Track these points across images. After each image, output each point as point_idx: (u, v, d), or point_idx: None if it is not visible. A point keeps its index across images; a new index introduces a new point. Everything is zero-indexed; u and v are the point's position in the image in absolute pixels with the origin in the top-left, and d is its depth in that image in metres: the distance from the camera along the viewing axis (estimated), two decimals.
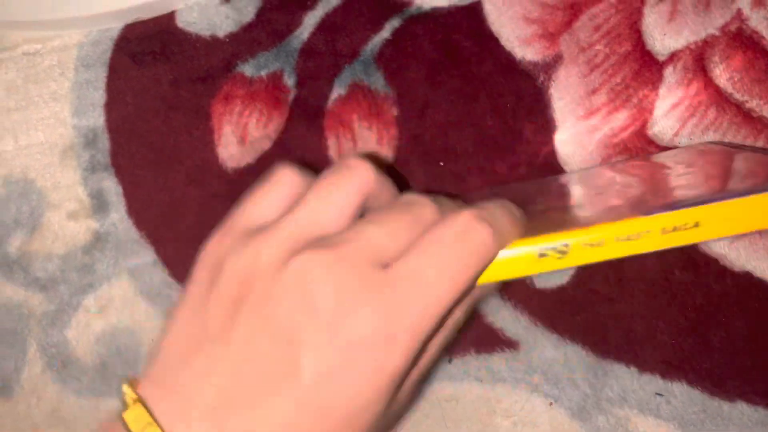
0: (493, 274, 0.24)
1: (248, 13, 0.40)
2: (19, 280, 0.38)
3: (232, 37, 0.40)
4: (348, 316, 0.21)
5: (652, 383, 0.36)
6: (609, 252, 0.25)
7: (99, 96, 0.40)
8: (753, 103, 0.38)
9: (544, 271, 0.25)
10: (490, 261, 0.23)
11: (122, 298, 0.38)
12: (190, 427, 0.20)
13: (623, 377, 0.36)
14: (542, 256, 0.25)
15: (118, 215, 0.39)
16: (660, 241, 0.25)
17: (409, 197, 0.24)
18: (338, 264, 0.21)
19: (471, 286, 0.23)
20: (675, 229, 0.25)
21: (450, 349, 0.37)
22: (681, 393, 0.36)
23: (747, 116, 0.38)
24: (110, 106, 0.40)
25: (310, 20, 0.40)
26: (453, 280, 0.22)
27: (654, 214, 0.25)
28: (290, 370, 0.20)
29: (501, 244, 0.23)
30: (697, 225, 0.25)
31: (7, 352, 0.38)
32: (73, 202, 0.39)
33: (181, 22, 0.40)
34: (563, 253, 0.25)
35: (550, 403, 0.36)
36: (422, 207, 0.23)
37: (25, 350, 0.38)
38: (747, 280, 0.36)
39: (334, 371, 0.20)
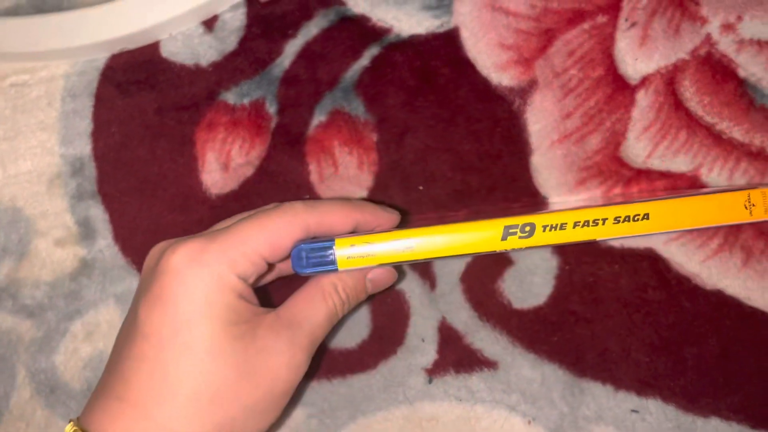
0: (460, 249, 0.27)
1: (231, 43, 0.42)
2: (7, 307, 0.39)
3: (216, 65, 0.41)
4: None
5: (627, 401, 0.37)
6: (569, 236, 0.29)
7: (86, 125, 0.41)
8: (723, 125, 0.39)
9: (509, 249, 0.29)
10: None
11: (109, 323, 0.39)
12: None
13: (599, 395, 0.37)
14: (509, 235, 0.28)
15: (105, 242, 0.40)
16: (614, 229, 0.31)
17: None
18: None
19: None
20: (627, 219, 0.29)
21: (430, 371, 0.38)
22: (656, 410, 0.37)
23: (717, 138, 0.39)
24: (97, 135, 0.41)
25: (291, 49, 0.41)
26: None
27: (610, 205, 0.29)
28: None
29: None
30: (647, 217, 0.29)
31: None
32: (60, 229, 0.40)
33: (166, 52, 0.42)
34: (527, 234, 0.28)
35: (529, 422, 0.37)
36: None
37: (15, 376, 0.39)
38: (719, 298, 0.37)
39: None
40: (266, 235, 0.28)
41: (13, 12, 0.43)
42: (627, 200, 0.33)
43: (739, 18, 0.40)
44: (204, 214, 0.40)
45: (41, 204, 0.40)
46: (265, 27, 0.42)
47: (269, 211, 0.29)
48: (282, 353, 0.28)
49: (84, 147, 0.41)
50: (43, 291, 0.39)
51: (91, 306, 0.39)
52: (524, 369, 0.37)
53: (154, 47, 0.42)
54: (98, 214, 0.40)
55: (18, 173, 0.41)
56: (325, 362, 0.38)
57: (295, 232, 0.28)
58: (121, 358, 0.27)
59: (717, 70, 0.40)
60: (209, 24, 0.42)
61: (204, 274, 0.26)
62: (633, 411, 0.37)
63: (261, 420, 0.28)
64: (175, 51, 0.41)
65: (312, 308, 0.30)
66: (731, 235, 0.38)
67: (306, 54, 0.41)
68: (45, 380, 0.39)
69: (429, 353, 0.38)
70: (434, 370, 0.38)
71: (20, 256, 0.40)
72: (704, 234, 0.38)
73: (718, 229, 0.38)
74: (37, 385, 0.39)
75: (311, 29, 0.41)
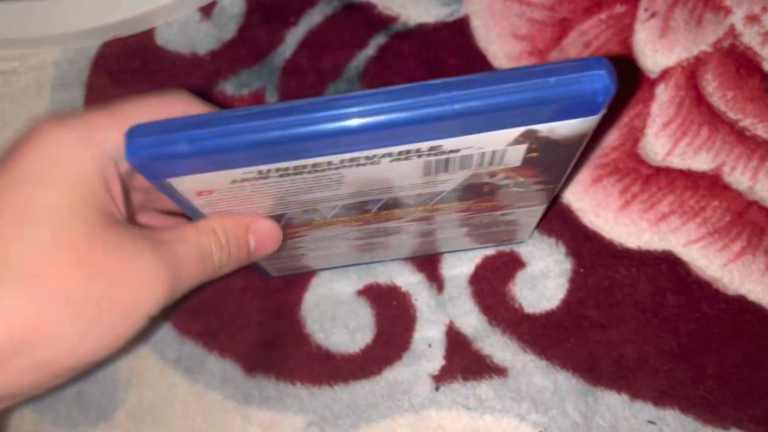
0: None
1: (229, 30, 0.40)
2: None
3: (213, 54, 0.40)
4: None
5: (644, 411, 0.36)
6: None
7: None
8: (746, 122, 0.38)
9: None
10: None
11: None
12: None
13: (615, 405, 0.36)
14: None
15: None
16: None
17: None
18: None
19: None
20: None
21: (437, 377, 0.36)
22: (674, 421, 0.35)
23: (740, 135, 0.38)
24: None
25: (293, 37, 0.40)
26: None
27: None
28: None
29: None
30: None
31: None
32: None
33: (161, 39, 0.40)
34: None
35: None
36: None
37: None
38: (741, 303, 0.36)
39: None
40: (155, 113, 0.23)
41: None
42: None
43: (765, 9, 0.39)
44: None
45: None
46: (265, 14, 0.40)
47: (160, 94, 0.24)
48: (146, 270, 0.23)
49: None
50: None
51: None
52: (536, 376, 0.36)
53: (148, 35, 0.40)
54: None
55: None
56: (327, 367, 0.37)
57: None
58: None
59: (741, 63, 0.39)
60: (207, 10, 0.41)
61: (77, 145, 0.22)
62: (650, 422, 0.36)
63: (100, 337, 0.23)
64: (171, 39, 0.40)
65: (184, 241, 0.24)
66: (754, 237, 0.37)
67: (308, 43, 0.40)
68: None
69: (436, 359, 0.37)
70: (441, 377, 0.37)
71: None
72: (726, 236, 0.37)
73: (740, 232, 0.37)
74: None
75: (314, 17, 0.40)
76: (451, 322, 0.37)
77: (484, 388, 0.36)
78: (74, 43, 0.41)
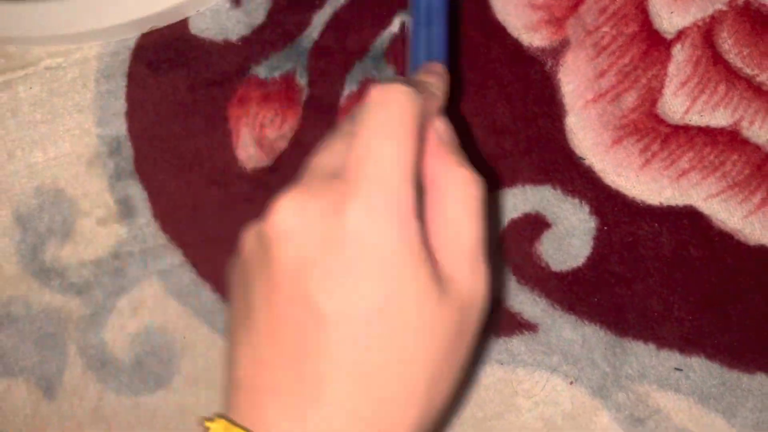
0: None
1: (259, 16, 0.43)
2: (55, 286, 0.42)
3: (245, 40, 0.43)
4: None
5: (671, 359, 0.38)
6: None
7: (120, 105, 0.43)
8: (763, 77, 0.40)
9: None
10: (416, 112, 0.23)
11: (153, 299, 0.41)
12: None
13: (642, 354, 0.38)
14: None
15: (145, 220, 0.42)
16: None
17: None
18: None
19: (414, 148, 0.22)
20: None
21: None
22: (700, 367, 0.38)
23: (757, 90, 0.40)
24: (131, 115, 0.43)
25: (320, 19, 0.43)
26: (391, 139, 0.22)
27: None
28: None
29: (419, 99, 0.23)
30: None
31: (48, 356, 0.42)
32: (101, 208, 0.42)
33: (195, 28, 0.43)
34: None
35: (571, 383, 0.38)
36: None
37: (66, 353, 0.42)
38: (763, 253, 0.38)
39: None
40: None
41: None
42: None
43: None
44: (241, 189, 0.42)
45: (82, 185, 0.43)
46: None
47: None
48: (473, 286, 0.23)
49: (120, 127, 0.43)
50: (89, 269, 0.42)
51: (135, 283, 0.42)
52: (565, 331, 0.39)
53: (183, 24, 0.43)
54: (137, 192, 0.42)
55: (58, 155, 0.43)
56: None
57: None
58: (293, 350, 0.22)
59: (756, 19, 0.40)
60: None
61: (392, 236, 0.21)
62: (677, 369, 0.38)
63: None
64: (204, 27, 0.43)
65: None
66: None
67: (334, 24, 0.42)
68: (95, 355, 0.41)
69: None
70: None
71: (65, 236, 0.42)
72: (746, 189, 0.39)
73: (759, 184, 0.39)
74: (87, 360, 0.41)
75: None
76: None
77: (516, 343, 0.39)
78: (114, 37, 0.44)
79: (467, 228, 0.23)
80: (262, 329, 0.23)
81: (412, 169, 0.22)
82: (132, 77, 0.44)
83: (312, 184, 0.22)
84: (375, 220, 0.21)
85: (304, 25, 0.43)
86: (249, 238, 0.23)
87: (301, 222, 0.22)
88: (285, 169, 0.42)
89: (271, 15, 0.43)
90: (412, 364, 0.22)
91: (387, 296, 0.21)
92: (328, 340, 0.21)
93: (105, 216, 0.43)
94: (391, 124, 0.22)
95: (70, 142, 0.43)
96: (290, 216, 0.22)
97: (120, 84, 0.44)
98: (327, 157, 0.24)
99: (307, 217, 0.22)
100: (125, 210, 0.42)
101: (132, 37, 0.44)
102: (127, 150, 0.43)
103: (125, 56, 0.44)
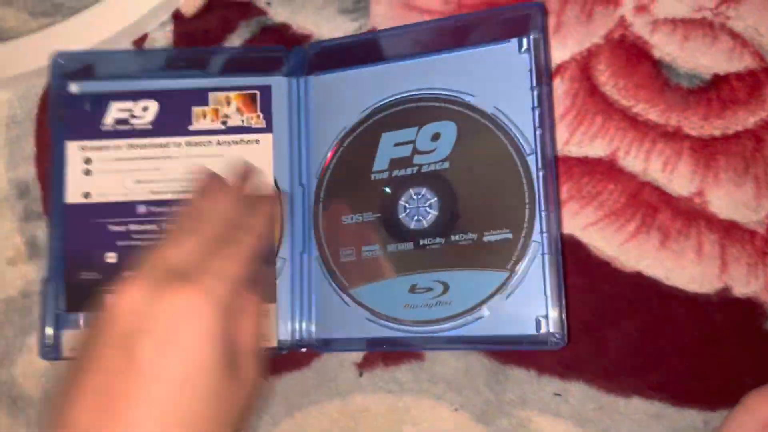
0: None
1: (160, 61, 0.45)
2: None
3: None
4: None
5: (551, 384, 0.40)
6: None
7: (29, 149, 0.45)
8: (639, 107, 0.41)
9: None
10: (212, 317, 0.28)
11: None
12: None
13: (523, 380, 0.40)
14: None
15: None
16: None
17: None
18: None
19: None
20: None
21: (360, 364, 0.41)
22: (578, 392, 0.39)
23: (633, 120, 0.41)
24: (40, 158, 0.45)
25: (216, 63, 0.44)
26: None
27: None
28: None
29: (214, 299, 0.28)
30: None
31: None
32: (10, 249, 0.44)
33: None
34: None
35: (455, 409, 0.40)
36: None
37: None
38: (638, 279, 0.40)
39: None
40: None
41: None
42: None
43: None
44: None
45: None
46: (191, 42, 0.45)
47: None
48: None
49: (29, 170, 0.45)
50: (0, 308, 0.44)
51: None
52: (449, 359, 0.40)
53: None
54: (44, 233, 0.44)
55: None
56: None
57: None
58: (105, 387, 0.26)
59: (631, 52, 0.42)
60: (139, 43, 0.46)
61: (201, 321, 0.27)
62: (556, 394, 0.39)
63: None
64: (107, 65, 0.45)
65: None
66: (648, 216, 0.40)
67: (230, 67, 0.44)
68: (6, 391, 0.43)
69: None
70: (364, 364, 0.41)
71: None
72: (621, 217, 0.40)
73: (634, 212, 0.40)
74: None
75: (234, 41, 0.45)
76: None
77: (403, 372, 0.41)
78: (24, 83, 0.46)
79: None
80: (89, 373, 0.27)
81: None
82: (41, 122, 0.46)
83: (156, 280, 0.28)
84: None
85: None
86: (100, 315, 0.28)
87: (142, 305, 0.27)
88: None
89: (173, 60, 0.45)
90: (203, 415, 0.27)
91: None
92: (139, 385, 0.26)
93: (14, 256, 0.44)
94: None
95: None
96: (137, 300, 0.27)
97: (29, 129, 0.46)
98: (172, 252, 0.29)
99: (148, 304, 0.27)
100: (33, 250, 0.44)
101: (41, 84, 0.46)
102: (36, 192, 0.45)
103: (34, 102, 0.46)
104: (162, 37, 0.46)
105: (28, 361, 0.44)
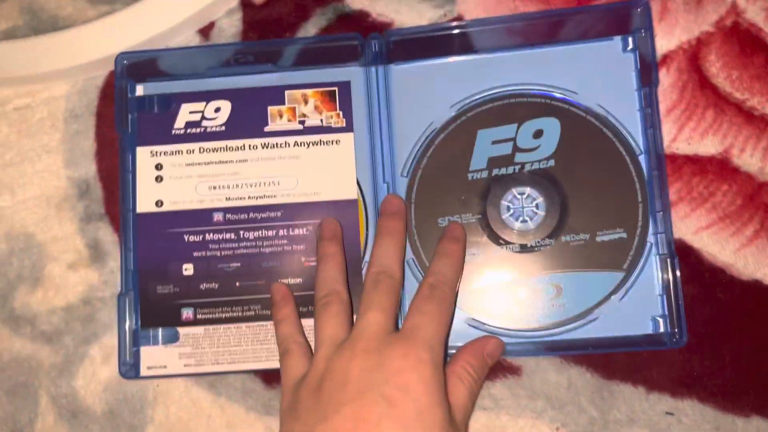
0: None
1: (228, 49, 0.42)
2: (26, 334, 0.41)
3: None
4: None
5: (661, 402, 0.37)
6: None
7: (89, 145, 0.43)
8: (754, 101, 0.38)
9: None
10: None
11: None
12: None
13: (631, 398, 0.37)
14: None
15: (116, 263, 0.41)
16: None
17: None
18: None
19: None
20: None
21: None
22: (692, 411, 0.36)
23: (748, 115, 0.38)
24: (101, 155, 0.43)
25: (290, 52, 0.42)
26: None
27: None
28: None
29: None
30: None
31: (21, 405, 0.41)
32: (71, 253, 0.42)
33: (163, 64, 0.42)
34: None
35: (557, 428, 0.37)
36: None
37: (37, 402, 0.41)
38: (756, 289, 0.37)
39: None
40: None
41: (11, 35, 0.45)
42: None
43: None
44: None
45: (51, 228, 0.42)
46: (261, 31, 0.42)
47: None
48: None
49: (89, 168, 0.42)
50: (60, 316, 0.41)
51: (107, 329, 0.41)
52: (549, 373, 0.37)
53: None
54: (107, 235, 0.42)
55: (26, 198, 0.43)
56: None
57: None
58: None
59: (745, 41, 0.39)
60: (205, 32, 0.43)
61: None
62: (668, 413, 0.37)
63: None
64: (172, 63, 0.42)
65: (455, 393, 0.33)
66: (767, 220, 0.37)
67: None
68: (67, 405, 0.41)
69: None
70: None
71: (35, 281, 0.42)
72: (737, 221, 0.37)
73: (752, 215, 0.37)
74: (59, 410, 0.41)
75: (309, 30, 0.42)
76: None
77: (499, 388, 0.38)
78: (82, 75, 0.44)
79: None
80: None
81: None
82: (101, 116, 0.43)
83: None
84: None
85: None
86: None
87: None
88: None
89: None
90: None
91: None
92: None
93: (75, 260, 0.42)
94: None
95: (39, 184, 0.43)
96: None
97: (89, 123, 0.43)
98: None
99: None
100: (95, 253, 0.42)
101: (101, 75, 0.44)
102: (97, 192, 0.42)
103: (94, 95, 0.43)
104: (230, 26, 0.43)
105: (90, 372, 0.41)
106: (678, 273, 0.36)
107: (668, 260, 0.36)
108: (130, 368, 0.38)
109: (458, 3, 0.41)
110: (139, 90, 0.41)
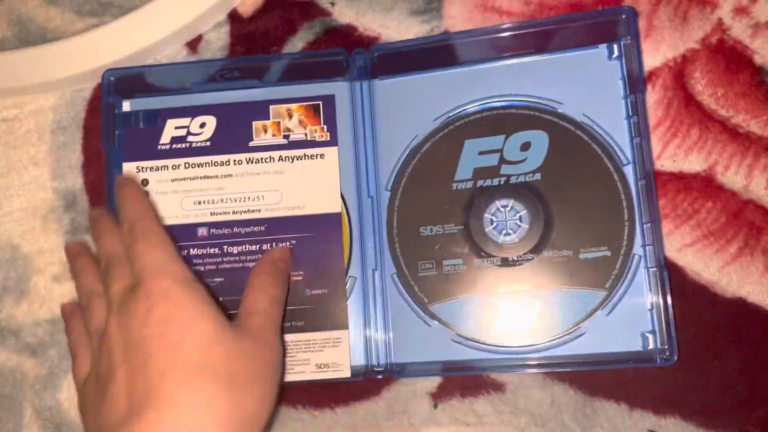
0: None
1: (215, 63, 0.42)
2: (11, 346, 0.42)
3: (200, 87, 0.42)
4: None
5: (644, 420, 0.37)
6: None
7: (76, 158, 0.43)
8: (739, 118, 0.38)
9: None
10: None
11: None
12: None
13: (614, 415, 0.37)
14: None
15: None
16: None
17: None
18: None
19: None
20: None
21: (435, 394, 0.38)
22: (675, 428, 0.37)
23: (733, 132, 0.38)
24: (87, 167, 0.43)
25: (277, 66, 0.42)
26: None
27: None
28: None
29: None
30: None
31: (5, 417, 0.41)
32: (57, 265, 0.42)
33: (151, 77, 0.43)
34: None
35: None
36: None
37: (22, 414, 0.41)
38: (740, 306, 0.37)
39: None
40: None
41: None
42: None
43: (753, 0, 0.39)
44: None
45: (37, 240, 0.42)
46: (248, 44, 0.43)
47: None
48: (255, 335, 0.33)
49: (76, 180, 0.43)
50: (44, 328, 0.42)
51: None
52: (533, 390, 0.38)
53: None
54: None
55: (13, 210, 0.43)
56: (328, 391, 0.39)
57: None
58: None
59: (731, 58, 0.39)
60: (193, 45, 0.43)
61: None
62: (650, 431, 0.37)
63: (264, 387, 0.32)
64: (160, 78, 0.42)
65: (252, 300, 0.35)
66: (751, 238, 0.37)
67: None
68: (51, 417, 0.41)
69: (434, 377, 0.38)
70: (439, 394, 0.38)
71: (20, 293, 0.42)
72: (721, 239, 0.37)
73: (736, 233, 0.37)
74: (43, 422, 0.41)
75: (296, 44, 0.42)
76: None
77: (482, 404, 0.38)
78: (70, 87, 0.44)
79: None
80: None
81: None
82: (88, 128, 0.43)
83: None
84: None
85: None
86: None
87: None
88: None
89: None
90: None
91: None
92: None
93: (60, 273, 0.42)
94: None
95: (25, 196, 0.43)
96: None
97: (76, 136, 0.43)
98: None
99: None
100: None
101: (88, 88, 0.44)
102: (83, 204, 0.43)
103: (81, 107, 0.44)
104: (217, 39, 0.43)
105: (74, 385, 0.41)
106: (668, 287, 0.35)
107: (658, 274, 0.36)
108: None
109: (445, 18, 0.41)
110: (126, 106, 0.41)
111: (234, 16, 0.43)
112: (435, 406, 0.38)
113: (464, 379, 0.38)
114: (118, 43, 0.43)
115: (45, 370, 0.41)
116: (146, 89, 0.41)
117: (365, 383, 0.39)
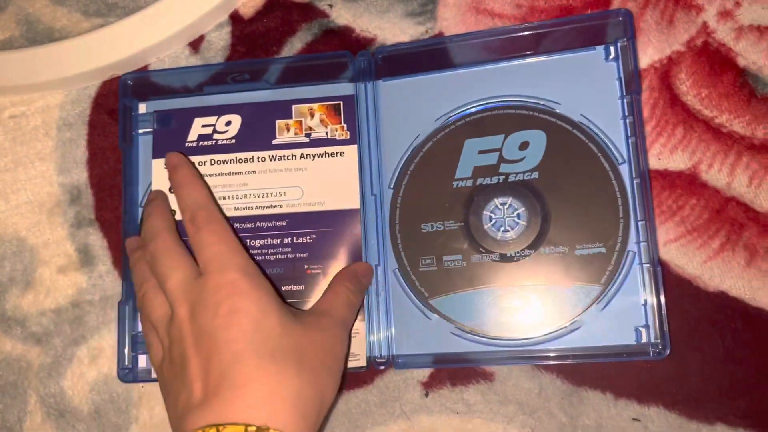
0: None
1: (217, 62, 0.44)
2: (16, 335, 0.43)
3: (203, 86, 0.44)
4: None
5: (628, 409, 0.38)
6: None
7: (81, 153, 0.44)
8: (722, 118, 0.40)
9: None
10: None
11: (112, 347, 0.42)
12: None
13: (599, 404, 0.38)
14: None
15: (105, 267, 0.43)
16: None
17: None
18: None
19: None
20: None
21: (426, 383, 0.40)
22: (658, 418, 0.38)
23: (716, 132, 0.40)
24: (92, 163, 0.44)
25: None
26: None
27: None
28: None
29: None
30: None
31: (10, 404, 0.43)
32: (61, 257, 0.44)
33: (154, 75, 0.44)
34: None
35: None
36: None
37: (26, 401, 0.43)
38: (722, 299, 0.38)
39: None
40: None
41: (8, 45, 0.47)
42: None
43: (737, 4, 0.41)
44: None
45: (43, 233, 0.44)
46: (249, 44, 0.44)
47: None
48: (325, 329, 0.35)
49: (81, 175, 0.44)
50: (49, 318, 0.43)
51: (94, 331, 0.43)
52: (521, 379, 0.39)
53: (143, 71, 0.44)
54: (97, 240, 0.43)
55: (19, 203, 0.45)
56: None
57: None
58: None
59: (715, 60, 0.40)
60: (195, 45, 0.45)
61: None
62: (634, 419, 0.38)
63: (329, 376, 0.34)
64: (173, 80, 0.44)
65: (330, 301, 0.37)
66: (733, 234, 0.39)
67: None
68: (54, 404, 0.42)
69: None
70: (430, 384, 0.40)
71: (26, 284, 0.44)
72: (704, 234, 0.39)
73: (718, 229, 0.39)
74: (47, 409, 0.42)
75: (295, 44, 0.44)
76: None
77: (472, 393, 0.39)
78: (76, 85, 0.45)
79: None
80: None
81: None
82: (93, 125, 0.45)
83: None
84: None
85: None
86: None
87: None
88: None
89: (229, 61, 0.44)
90: None
91: None
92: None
93: (65, 264, 0.44)
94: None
95: (32, 190, 0.45)
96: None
97: (81, 132, 0.45)
98: None
99: None
100: (85, 258, 0.44)
101: (93, 86, 0.45)
102: (88, 198, 0.44)
103: (86, 104, 0.45)
104: (219, 39, 0.45)
105: (78, 373, 0.43)
106: (661, 283, 0.37)
107: (651, 270, 0.37)
108: (128, 372, 0.40)
109: (439, 20, 0.43)
110: (142, 108, 0.43)
111: (235, 17, 0.45)
112: (426, 395, 0.40)
113: (455, 369, 0.40)
114: (122, 43, 0.45)
115: (49, 359, 0.43)
116: (159, 92, 0.44)
117: (360, 373, 0.40)
